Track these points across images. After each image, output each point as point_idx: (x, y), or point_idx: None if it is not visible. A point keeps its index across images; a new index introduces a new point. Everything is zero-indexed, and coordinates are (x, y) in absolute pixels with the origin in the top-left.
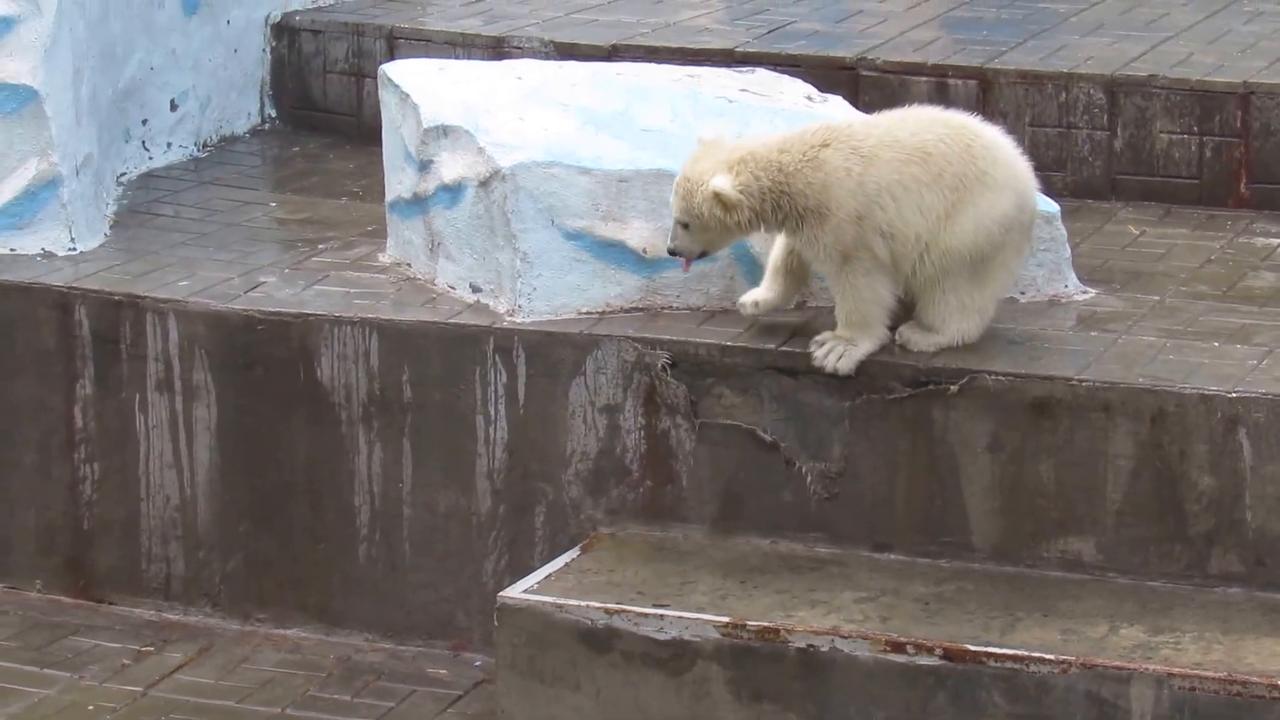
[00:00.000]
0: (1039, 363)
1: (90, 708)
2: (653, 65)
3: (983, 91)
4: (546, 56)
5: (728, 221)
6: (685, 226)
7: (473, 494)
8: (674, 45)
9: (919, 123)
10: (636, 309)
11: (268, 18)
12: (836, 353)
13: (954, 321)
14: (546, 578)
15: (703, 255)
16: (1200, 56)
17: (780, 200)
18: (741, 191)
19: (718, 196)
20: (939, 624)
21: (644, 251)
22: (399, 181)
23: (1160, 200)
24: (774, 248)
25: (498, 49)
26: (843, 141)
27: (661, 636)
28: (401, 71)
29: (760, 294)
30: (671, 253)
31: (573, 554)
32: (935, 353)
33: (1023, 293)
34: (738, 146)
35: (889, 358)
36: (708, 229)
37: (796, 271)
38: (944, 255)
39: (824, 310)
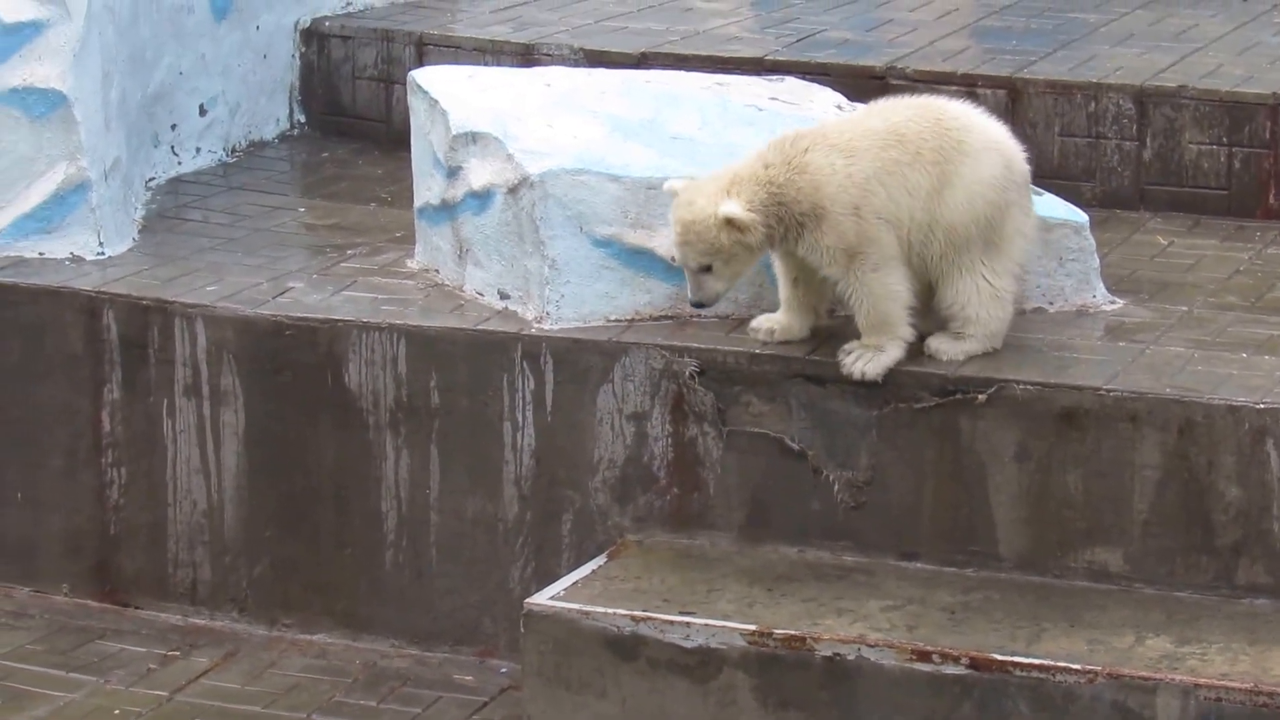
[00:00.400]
0: (1067, 372)
1: (116, 712)
2: (682, 73)
3: (1012, 101)
4: (576, 64)
5: (748, 242)
6: (707, 270)
7: (500, 500)
8: (703, 53)
9: (886, 110)
10: (665, 317)
11: (297, 23)
12: (865, 360)
13: (977, 308)
14: (573, 585)
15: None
16: (1230, 68)
17: (779, 212)
18: (750, 209)
19: (731, 221)
20: (965, 633)
21: (672, 259)
22: (427, 188)
23: (1189, 211)
24: (780, 284)
25: (527, 56)
26: (820, 142)
27: (688, 644)
28: (431, 78)
29: (776, 320)
30: (699, 305)
31: (599, 561)
32: (965, 360)
33: (1051, 303)
34: (719, 176)
35: (917, 367)
36: (730, 261)
37: (806, 301)
38: (949, 232)
39: (851, 318)
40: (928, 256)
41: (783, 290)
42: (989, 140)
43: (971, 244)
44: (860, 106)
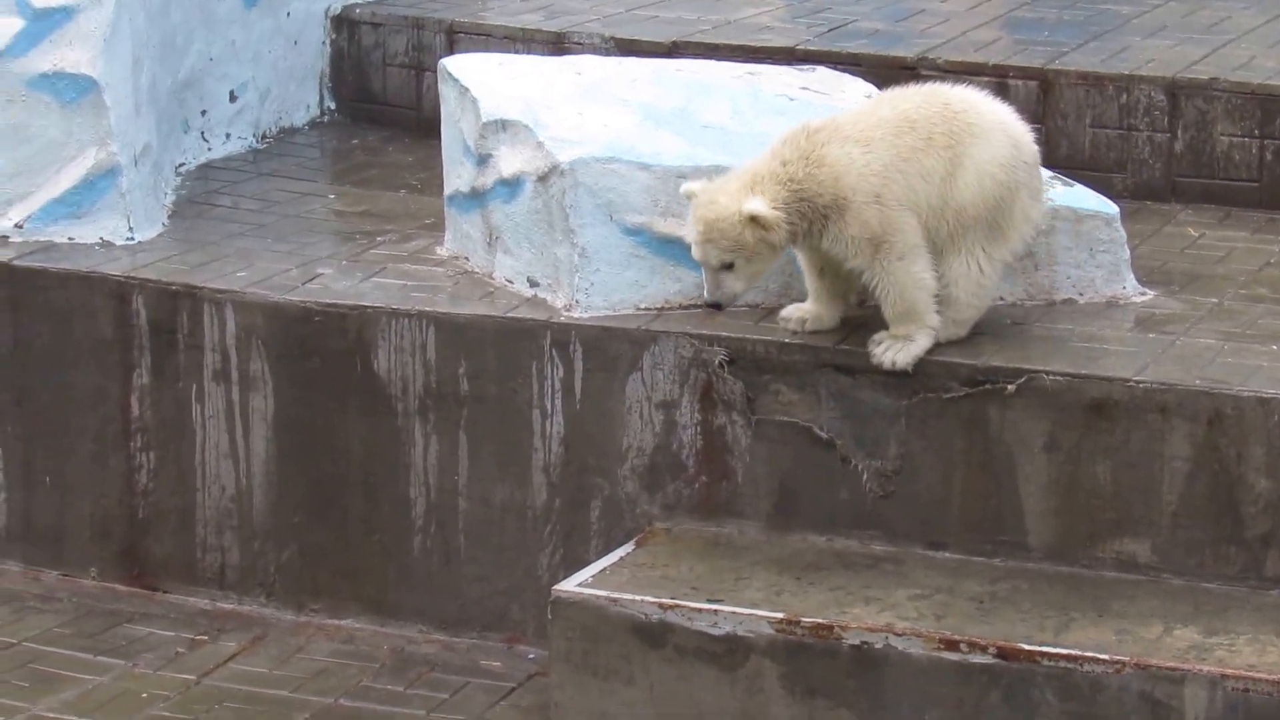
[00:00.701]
0: (1097, 363)
1: (143, 695)
2: (713, 62)
3: (1043, 92)
4: (607, 52)
5: (771, 240)
6: (729, 268)
7: (528, 488)
8: (734, 42)
9: (894, 98)
10: (694, 305)
11: (328, 10)
12: (894, 349)
13: (959, 291)
14: (601, 572)
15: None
16: (1262, 60)
17: (801, 208)
18: (774, 207)
19: (755, 219)
20: (993, 623)
21: None
22: (457, 175)
23: (1220, 203)
24: (806, 276)
25: (558, 45)
26: (834, 134)
27: (715, 632)
28: (461, 66)
29: (806, 310)
30: (715, 305)
31: (628, 549)
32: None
33: (1081, 294)
34: (736, 175)
35: (947, 357)
36: (752, 259)
37: (834, 291)
38: (958, 213)
39: (879, 308)
40: (935, 239)
41: (810, 282)
42: (997, 122)
43: (977, 225)
44: (861, 104)
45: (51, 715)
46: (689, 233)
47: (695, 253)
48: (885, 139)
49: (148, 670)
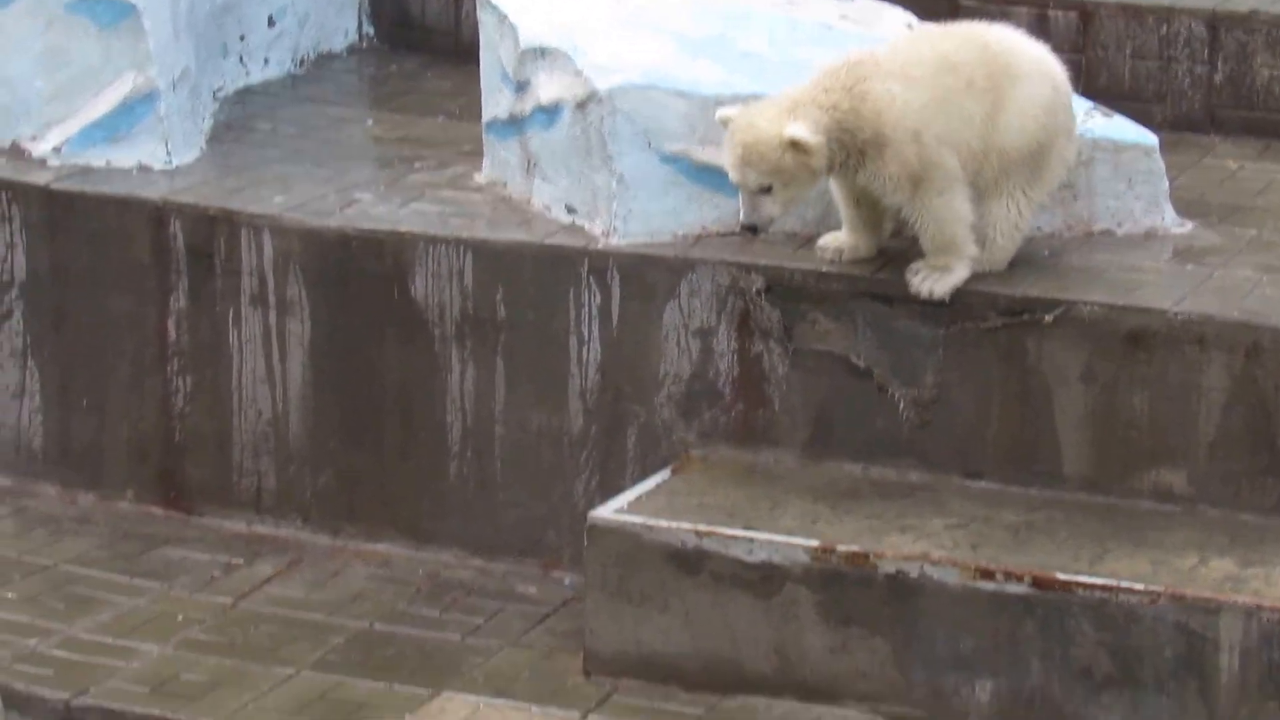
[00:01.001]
0: (1134, 295)
1: (179, 618)
2: None
3: (1083, 23)
4: None
5: (811, 165)
6: (766, 191)
7: (565, 414)
8: None
9: (933, 37)
10: (732, 233)
11: None
12: (932, 279)
13: (997, 234)
14: (637, 498)
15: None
16: None
17: (842, 138)
18: (814, 134)
19: (796, 144)
20: (1029, 552)
21: None
22: (495, 102)
23: (1260, 135)
24: (841, 206)
25: None
26: (875, 70)
27: (751, 559)
28: None
29: (843, 240)
30: (752, 229)
31: (663, 475)
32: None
33: (1119, 225)
34: (775, 101)
35: (983, 286)
36: (789, 184)
37: (870, 221)
38: (1002, 156)
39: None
40: (978, 182)
41: (845, 212)
42: (1035, 63)
43: (1020, 167)
44: (897, 39)
45: (88, 637)
46: (727, 156)
47: (733, 175)
48: (926, 78)
49: (183, 593)
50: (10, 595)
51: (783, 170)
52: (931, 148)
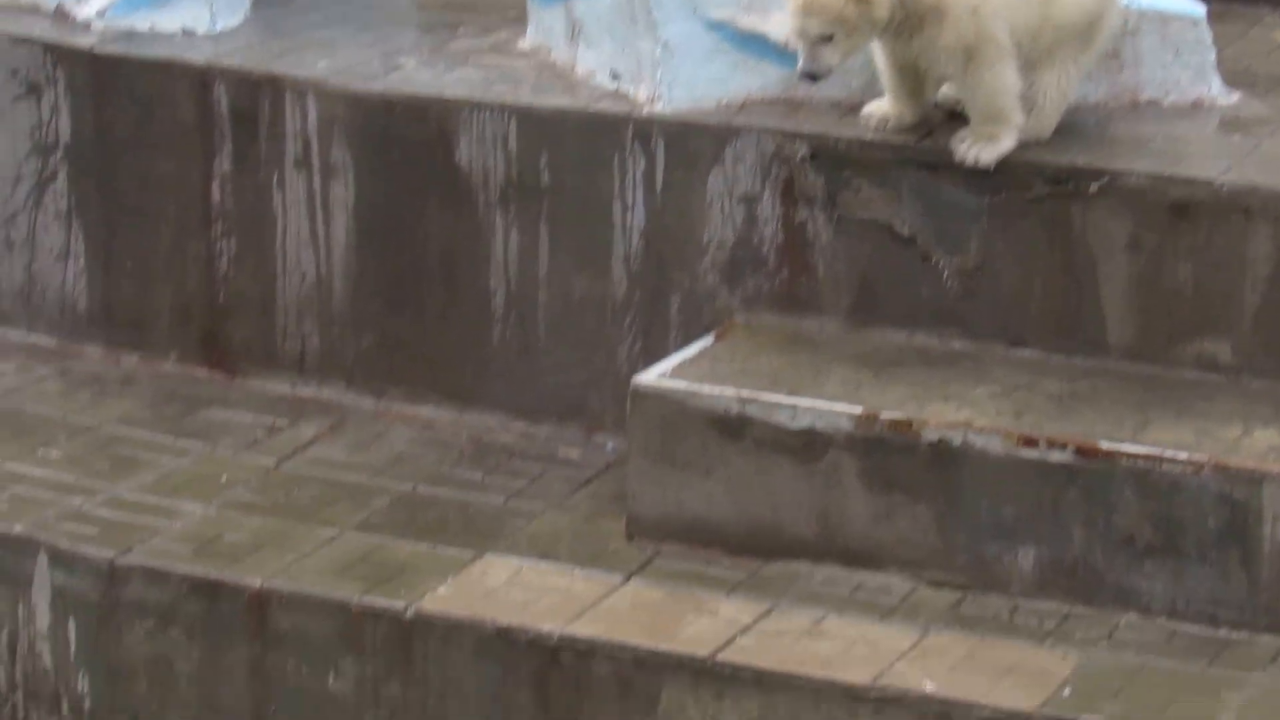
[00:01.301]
0: (1180, 164)
1: (223, 479)
2: None
3: None
4: None
5: (874, 16)
6: (828, 39)
7: (608, 280)
8: None
9: None
10: (777, 101)
11: None
12: (979, 147)
13: (1045, 102)
14: (680, 364)
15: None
16: None
17: (903, 2)
18: None
19: None
20: (1072, 421)
21: (785, 44)
22: None
23: None
24: (885, 75)
25: None
26: None
27: (794, 425)
28: None
29: (887, 108)
30: (811, 76)
31: (707, 341)
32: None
33: (1166, 95)
34: None
35: (1029, 155)
36: (851, 34)
37: (915, 89)
38: (1057, 30)
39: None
40: (1029, 55)
41: (889, 80)
42: None
43: (1072, 40)
44: None
45: (132, 497)
46: (790, 4)
47: (794, 24)
48: None
49: (227, 454)
50: (55, 455)
51: (845, 20)
52: (988, 22)
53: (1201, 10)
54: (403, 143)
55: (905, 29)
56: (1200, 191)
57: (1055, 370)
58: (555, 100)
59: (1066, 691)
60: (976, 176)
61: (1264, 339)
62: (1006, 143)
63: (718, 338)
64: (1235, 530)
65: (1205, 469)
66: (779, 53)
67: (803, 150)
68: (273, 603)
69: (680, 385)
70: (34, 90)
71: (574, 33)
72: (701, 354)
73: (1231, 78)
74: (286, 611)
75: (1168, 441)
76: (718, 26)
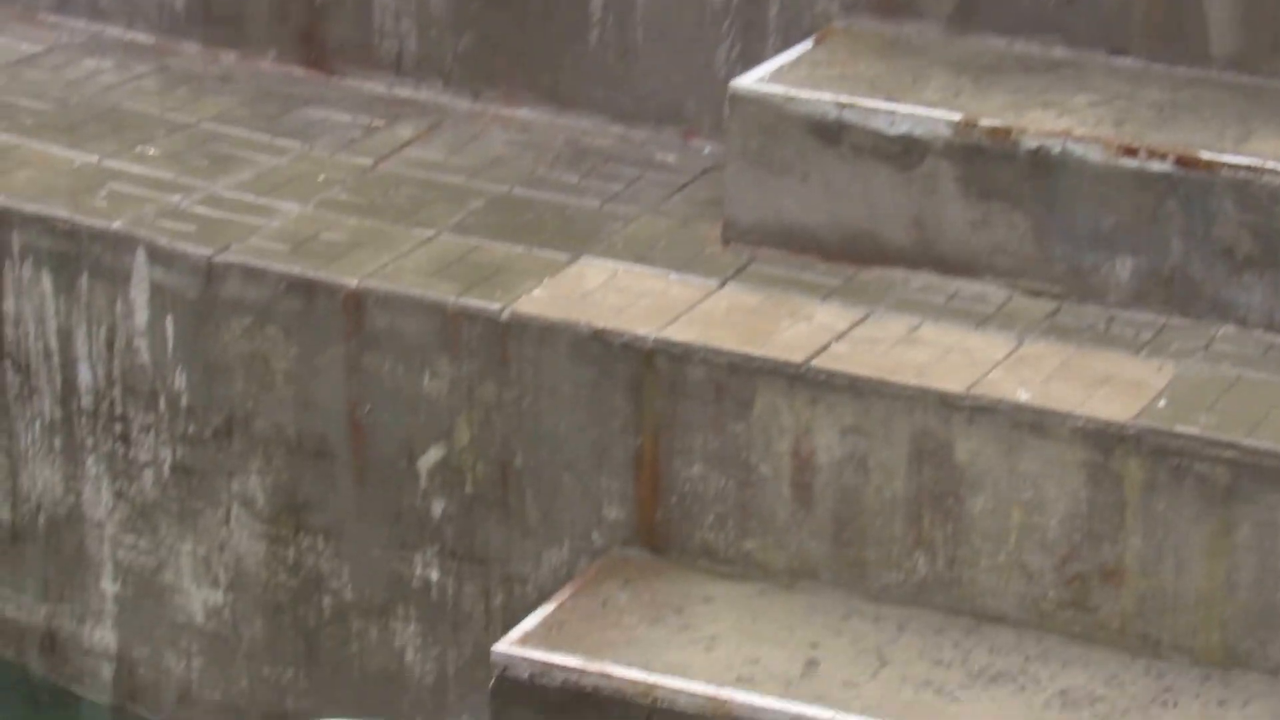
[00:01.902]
0: None
1: (320, 178)
2: None
3: None
4: None
5: None
6: None
7: None
8: None
9: None
10: None
11: None
12: None
13: None
14: (779, 69)
15: None
16: None
17: None
18: None
19: None
20: (1173, 130)
21: None
22: None
23: None
24: None
25: None
26: None
27: (892, 131)
28: None
29: None
30: None
31: (806, 46)
32: None
33: None
34: None
35: None
36: None
37: None
38: None
39: None
40: None
41: None
42: None
43: None
44: None
45: (229, 195)
46: None
47: None
48: None
49: (324, 153)
50: (153, 152)
51: None
52: None
53: None
54: None
55: None
56: None
57: (1157, 79)
58: None
59: (1162, 403)
60: None
61: None
62: None
63: (817, 42)
64: None
65: None
66: None
67: None
68: (369, 302)
69: (778, 90)
70: None
71: None
72: (800, 58)
73: None
74: (383, 311)
75: (1269, 152)
76: None
